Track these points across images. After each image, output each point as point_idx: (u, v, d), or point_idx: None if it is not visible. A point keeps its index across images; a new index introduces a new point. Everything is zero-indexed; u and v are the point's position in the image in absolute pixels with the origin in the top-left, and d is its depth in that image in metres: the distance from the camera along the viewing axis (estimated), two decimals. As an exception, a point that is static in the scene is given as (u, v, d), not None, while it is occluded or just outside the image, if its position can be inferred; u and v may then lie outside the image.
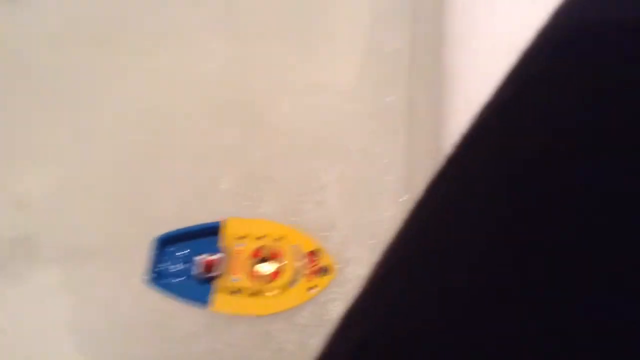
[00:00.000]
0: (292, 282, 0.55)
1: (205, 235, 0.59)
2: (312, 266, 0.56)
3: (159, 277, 0.57)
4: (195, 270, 0.57)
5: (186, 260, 0.58)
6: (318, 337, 0.56)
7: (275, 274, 0.55)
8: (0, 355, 0.59)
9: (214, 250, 0.58)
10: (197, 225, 0.59)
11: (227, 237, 0.57)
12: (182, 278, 0.58)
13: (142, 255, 0.58)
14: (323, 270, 0.56)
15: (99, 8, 0.70)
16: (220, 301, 0.55)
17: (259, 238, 0.57)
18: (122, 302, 0.58)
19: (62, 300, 0.59)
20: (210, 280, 0.57)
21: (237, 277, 0.54)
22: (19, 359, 0.58)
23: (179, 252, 0.59)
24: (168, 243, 0.59)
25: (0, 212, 0.64)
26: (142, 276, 0.57)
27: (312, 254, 0.56)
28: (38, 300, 0.60)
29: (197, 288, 0.57)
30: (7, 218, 0.63)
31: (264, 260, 0.56)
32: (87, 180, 0.63)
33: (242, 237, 0.57)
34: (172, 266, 0.58)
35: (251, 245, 0.56)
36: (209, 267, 0.57)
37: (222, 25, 0.68)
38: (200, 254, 0.58)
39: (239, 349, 0.55)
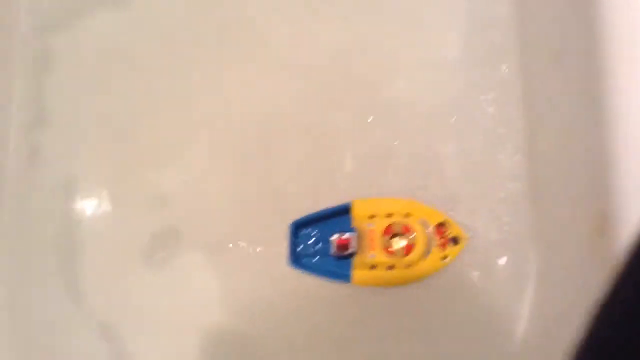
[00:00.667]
0: (425, 254, 0.59)
1: (336, 216, 0.64)
2: (442, 237, 0.60)
3: (298, 258, 0.63)
4: (332, 250, 0.62)
5: (322, 241, 0.64)
6: (455, 301, 0.60)
7: (409, 248, 0.59)
8: (155, 328, 0.68)
9: (346, 229, 0.63)
10: (327, 209, 0.64)
11: (357, 217, 0.61)
12: (320, 257, 0.63)
13: (279, 240, 0.64)
14: (453, 241, 0.59)
15: (205, 7, 0.72)
16: (359, 276, 0.60)
17: (387, 216, 0.61)
18: (265, 282, 0.65)
19: (208, 283, 0.66)
20: (346, 257, 0.63)
21: (373, 254, 0.59)
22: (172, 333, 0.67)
23: (313, 234, 0.64)
24: (302, 227, 0.64)
25: (146, 208, 0.71)
26: (282, 258, 0.64)
27: (441, 225, 0.60)
28: (185, 282, 0.68)
29: (335, 265, 0.63)
30: (152, 213, 0.70)
31: (395, 235, 0.60)
32: (220, 174, 0.69)
33: (372, 217, 0.61)
34: (310, 247, 0.64)
35: (382, 224, 0.60)
36: (344, 246, 0.61)
37: (332, 9, 0.69)
38: (333, 234, 0.63)
39: (382, 317, 0.61)
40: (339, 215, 0.63)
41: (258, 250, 0.65)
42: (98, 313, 0.66)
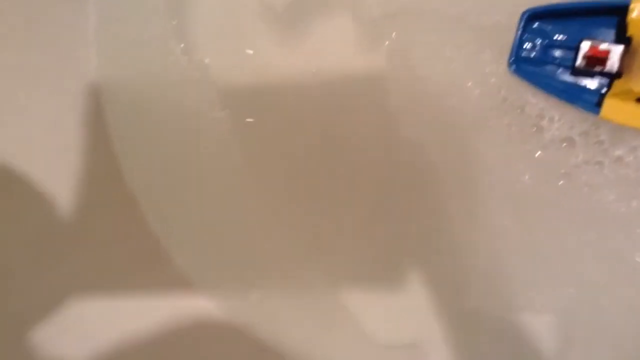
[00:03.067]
0: None
1: (599, 15, 0.44)
2: None
3: (526, 63, 0.46)
4: (578, 61, 0.44)
5: (565, 46, 0.45)
6: None
7: None
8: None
9: (608, 38, 0.43)
10: (590, 2, 0.43)
11: (636, 24, 0.41)
12: (556, 68, 0.45)
13: (501, 30, 0.46)
14: None
15: None
16: (614, 107, 0.42)
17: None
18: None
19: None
20: (594, 76, 0.44)
21: (647, 82, 0.40)
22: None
23: (555, 33, 0.45)
24: (540, 19, 0.45)
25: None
26: (501, 56, 0.46)
27: None
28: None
29: (575, 85, 0.45)
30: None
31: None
32: None
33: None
34: (543, 51, 0.45)
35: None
36: (598, 59, 0.43)
37: None
38: (584, 39, 0.44)
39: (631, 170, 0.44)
40: (604, 16, 0.43)
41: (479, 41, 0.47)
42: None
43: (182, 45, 0.53)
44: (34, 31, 0.50)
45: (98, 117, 0.55)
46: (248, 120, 0.53)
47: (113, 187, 0.54)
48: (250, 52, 0.53)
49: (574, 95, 0.44)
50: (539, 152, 0.46)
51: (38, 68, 0.50)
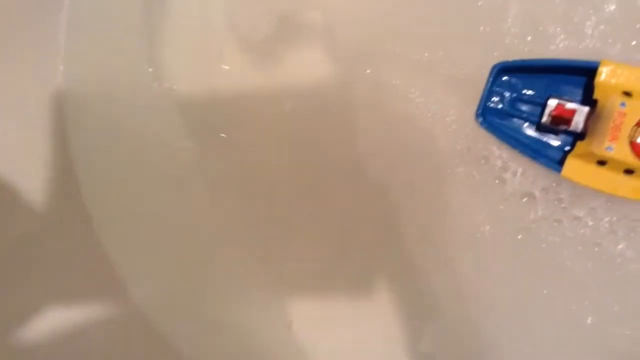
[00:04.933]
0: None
1: (568, 74, 0.44)
2: None
3: (489, 114, 0.46)
4: (544, 118, 0.44)
5: (532, 101, 0.45)
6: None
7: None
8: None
9: (576, 97, 0.44)
10: (559, 60, 0.44)
11: (603, 87, 0.41)
12: (522, 123, 0.45)
13: (471, 80, 0.46)
14: None
15: None
16: (575, 167, 0.42)
17: (653, 98, 0.41)
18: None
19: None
20: (557, 133, 0.45)
21: (610, 146, 0.40)
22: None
23: (524, 88, 0.45)
24: (509, 73, 0.45)
25: None
26: (468, 107, 0.46)
27: None
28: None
29: (539, 142, 0.45)
30: None
31: (653, 131, 0.41)
32: None
33: (627, 93, 0.41)
34: (510, 104, 0.45)
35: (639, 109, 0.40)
36: (564, 119, 0.43)
37: None
38: (552, 97, 0.44)
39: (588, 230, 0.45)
40: (574, 75, 0.44)
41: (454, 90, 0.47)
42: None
43: (151, 69, 0.52)
44: (1, 42, 0.49)
45: (61, 134, 0.54)
46: (218, 136, 0.53)
47: (70, 206, 0.53)
48: (227, 67, 0.53)
49: (537, 151, 0.44)
50: (501, 205, 0.46)
51: (3, 80, 0.49)
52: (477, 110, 0.45)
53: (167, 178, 0.52)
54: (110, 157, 0.53)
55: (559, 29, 0.44)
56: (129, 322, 0.52)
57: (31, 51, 0.52)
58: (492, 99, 0.45)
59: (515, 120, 0.45)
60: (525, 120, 0.45)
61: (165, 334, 0.52)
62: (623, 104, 0.40)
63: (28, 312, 0.47)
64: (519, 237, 0.46)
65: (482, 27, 0.45)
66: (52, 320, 0.48)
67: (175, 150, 0.51)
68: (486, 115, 0.45)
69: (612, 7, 0.43)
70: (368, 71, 0.50)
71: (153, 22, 0.53)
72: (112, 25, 0.53)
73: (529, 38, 0.44)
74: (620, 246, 0.44)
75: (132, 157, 0.52)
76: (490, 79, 0.45)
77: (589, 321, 0.44)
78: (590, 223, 0.44)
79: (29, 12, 0.51)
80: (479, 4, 0.45)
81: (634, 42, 0.43)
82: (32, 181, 0.51)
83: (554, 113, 0.43)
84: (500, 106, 0.45)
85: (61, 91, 0.54)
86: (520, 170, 0.46)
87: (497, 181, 0.46)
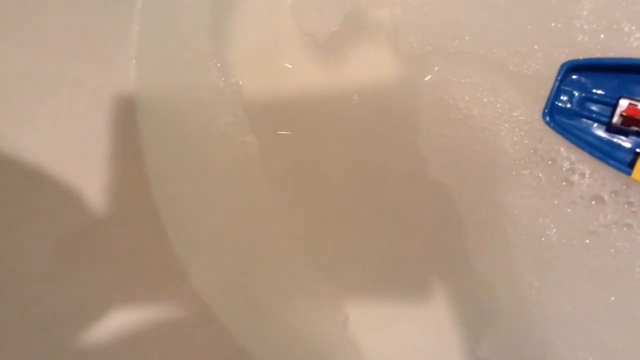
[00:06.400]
0: None
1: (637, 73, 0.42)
2: None
3: (561, 115, 0.44)
4: (614, 118, 0.42)
5: (603, 101, 0.44)
6: None
7: None
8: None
9: (650, 97, 0.42)
10: (633, 59, 0.42)
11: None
12: (591, 123, 0.44)
13: (539, 77, 0.45)
14: None
15: None
16: (646, 170, 0.41)
17: None
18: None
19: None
20: (628, 135, 0.43)
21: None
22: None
23: (594, 87, 0.44)
24: (579, 72, 0.44)
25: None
26: (535, 107, 0.45)
27: None
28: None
29: (609, 142, 0.44)
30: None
31: None
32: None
33: None
34: (579, 103, 0.44)
35: None
36: (636, 119, 0.42)
37: None
38: (623, 96, 0.42)
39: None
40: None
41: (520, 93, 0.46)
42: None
43: (219, 64, 0.54)
44: (77, 40, 0.51)
45: (131, 128, 0.56)
46: (280, 133, 0.54)
47: (139, 200, 0.55)
48: (289, 66, 0.54)
49: (606, 153, 0.43)
50: (568, 208, 0.45)
51: (77, 76, 0.52)
52: (545, 109, 0.44)
53: (230, 172, 0.53)
54: (178, 150, 0.54)
55: (634, 27, 0.42)
56: (191, 312, 0.53)
57: (105, 48, 0.55)
58: (561, 98, 0.44)
59: (584, 120, 0.44)
60: (595, 120, 0.44)
61: (225, 325, 0.53)
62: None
63: (95, 304, 0.49)
64: (586, 241, 0.44)
65: (553, 23, 0.44)
66: (118, 314, 0.49)
67: (240, 145, 0.52)
68: (554, 115, 0.44)
69: (692, 4, 0.41)
70: (435, 69, 0.49)
71: (221, 19, 0.55)
72: (182, 21, 0.55)
73: (602, 36, 0.43)
74: (696, 254, 0.42)
75: (197, 151, 0.54)
76: (559, 78, 0.44)
77: (659, 330, 0.42)
78: (663, 228, 0.42)
79: (104, 7, 0.54)
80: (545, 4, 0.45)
81: None
82: (102, 173, 0.53)
83: (625, 113, 0.42)
84: (568, 105, 0.44)
85: (132, 86, 0.56)
86: (588, 172, 0.44)
87: (564, 183, 0.45)
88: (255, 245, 0.55)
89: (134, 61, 0.56)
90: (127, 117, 0.56)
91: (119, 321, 0.50)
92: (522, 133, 0.46)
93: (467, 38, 0.48)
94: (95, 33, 0.53)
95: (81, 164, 0.51)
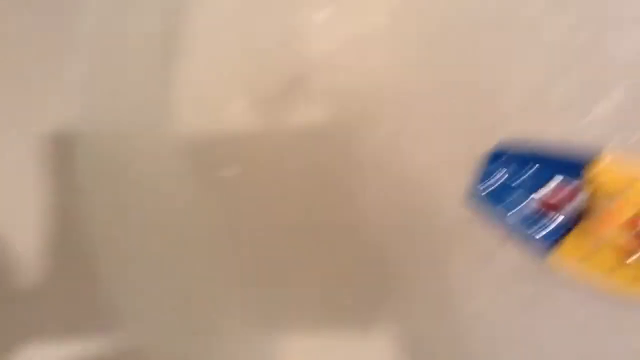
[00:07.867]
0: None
1: (557, 163, 0.45)
2: None
3: (483, 197, 0.46)
4: (534, 205, 0.44)
5: (529, 184, 0.45)
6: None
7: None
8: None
9: (574, 182, 0.44)
10: (550, 151, 0.44)
11: (598, 182, 0.42)
12: (513, 208, 0.46)
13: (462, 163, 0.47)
14: None
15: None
16: (562, 258, 0.43)
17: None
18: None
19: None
20: (552, 218, 0.45)
21: (607, 232, 0.40)
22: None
23: (522, 171, 0.46)
24: (509, 156, 0.46)
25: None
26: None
27: None
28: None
29: (533, 224, 0.45)
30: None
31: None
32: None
33: (620, 191, 0.41)
34: (501, 186, 0.46)
35: (630, 208, 0.41)
36: (560, 204, 0.43)
37: None
38: (544, 183, 0.44)
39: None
40: (563, 166, 0.44)
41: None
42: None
43: (160, 110, 0.54)
44: (12, 68, 0.50)
45: (67, 167, 0.55)
46: (222, 176, 0.54)
47: (73, 240, 0.54)
48: (234, 116, 0.54)
49: (529, 235, 0.45)
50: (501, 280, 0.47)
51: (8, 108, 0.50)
52: (472, 189, 0.46)
53: (168, 226, 0.53)
54: (115, 199, 0.54)
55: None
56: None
57: (43, 79, 0.53)
58: (487, 181, 0.46)
59: (509, 202, 0.46)
60: (519, 203, 0.45)
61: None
62: (611, 202, 0.40)
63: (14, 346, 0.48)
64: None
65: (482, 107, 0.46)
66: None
67: (178, 187, 0.53)
68: (479, 196, 0.46)
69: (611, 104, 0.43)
70: (375, 131, 0.51)
71: (171, 62, 0.55)
72: (130, 61, 0.54)
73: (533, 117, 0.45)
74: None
75: (134, 200, 0.54)
76: (487, 162, 0.45)
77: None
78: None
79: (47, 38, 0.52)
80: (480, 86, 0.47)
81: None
82: (34, 213, 0.52)
83: (549, 197, 0.43)
84: (492, 188, 0.46)
85: (70, 123, 0.54)
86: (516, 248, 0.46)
87: (495, 256, 0.47)
88: (190, 291, 0.55)
89: (76, 96, 0.55)
90: (63, 154, 0.55)
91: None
92: (459, 203, 0.48)
93: (410, 102, 0.49)
94: (35, 63, 0.52)
95: (10, 204, 0.50)
